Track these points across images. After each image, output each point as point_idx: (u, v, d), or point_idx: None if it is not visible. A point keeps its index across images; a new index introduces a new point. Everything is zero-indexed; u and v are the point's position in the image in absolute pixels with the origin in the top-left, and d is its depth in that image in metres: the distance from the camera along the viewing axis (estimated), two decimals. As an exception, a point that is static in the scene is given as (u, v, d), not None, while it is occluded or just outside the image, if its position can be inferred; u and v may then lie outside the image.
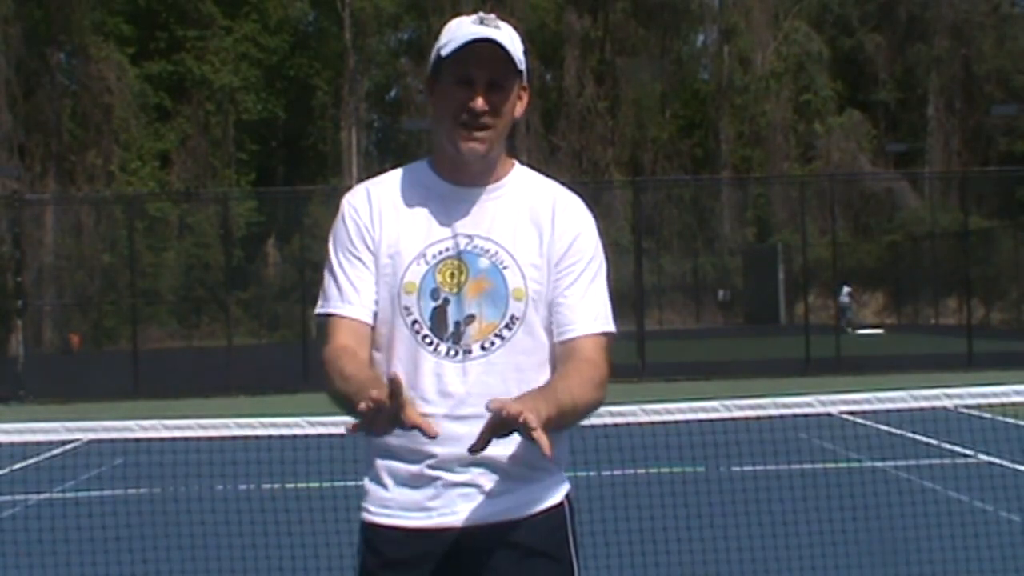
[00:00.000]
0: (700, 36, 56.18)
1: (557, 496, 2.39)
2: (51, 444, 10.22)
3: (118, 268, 34.35)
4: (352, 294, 2.38)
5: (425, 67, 2.43)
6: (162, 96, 47.22)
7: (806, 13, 51.57)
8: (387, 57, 51.91)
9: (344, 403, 2.30)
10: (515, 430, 2.05)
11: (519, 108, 2.39)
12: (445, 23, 2.43)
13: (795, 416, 4.91)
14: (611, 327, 2.43)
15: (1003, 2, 50.38)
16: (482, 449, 2.09)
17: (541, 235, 2.37)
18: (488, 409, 2.03)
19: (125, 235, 25.95)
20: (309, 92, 50.30)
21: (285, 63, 50.26)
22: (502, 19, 2.37)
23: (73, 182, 42.94)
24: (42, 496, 8.92)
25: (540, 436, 2.01)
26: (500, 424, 2.04)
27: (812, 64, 49.39)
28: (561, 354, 2.37)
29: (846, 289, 30.69)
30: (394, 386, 2.03)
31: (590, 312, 2.38)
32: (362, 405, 2.06)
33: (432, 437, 2.10)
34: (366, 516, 2.39)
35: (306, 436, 4.70)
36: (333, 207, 2.49)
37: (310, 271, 23.88)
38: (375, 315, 2.38)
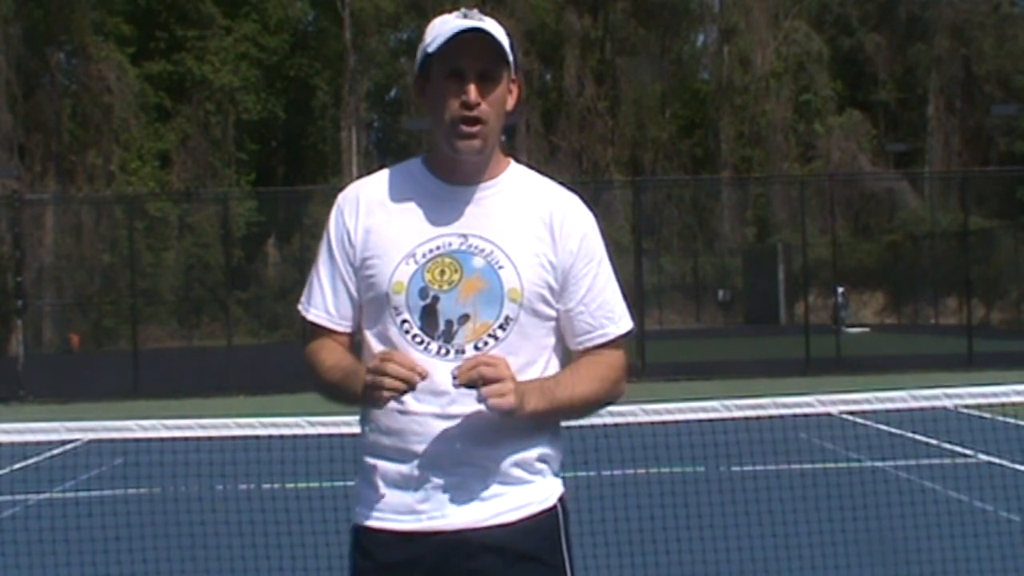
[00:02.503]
0: (700, 36, 56.25)
1: (550, 499, 2.37)
2: (51, 444, 10.24)
3: (118, 268, 34.36)
4: (328, 304, 2.42)
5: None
6: (162, 96, 47.21)
7: (806, 13, 51.57)
8: (387, 57, 51.89)
9: (331, 392, 2.38)
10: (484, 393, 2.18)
11: (511, 101, 2.37)
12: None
13: (795, 416, 4.91)
14: (629, 324, 2.44)
15: (1003, 2, 50.37)
16: (461, 383, 2.17)
17: (540, 238, 2.35)
18: (480, 365, 2.17)
19: (125, 235, 25.94)
20: (309, 92, 50.31)
21: (285, 63, 50.25)
22: (500, 19, 2.37)
23: (73, 182, 42.93)
24: (42, 496, 8.91)
25: (494, 404, 2.16)
26: (481, 375, 2.16)
27: (812, 64, 49.38)
28: (580, 357, 2.41)
29: (839, 290, 31.02)
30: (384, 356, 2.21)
31: (612, 315, 2.41)
32: (368, 377, 2.19)
33: (423, 378, 2.20)
34: (357, 519, 2.38)
35: (306, 436, 4.70)
36: (333, 207, 2.50)
37: (310, 271, 23.86)
38: (354, 321, 2.41)
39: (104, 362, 25.68)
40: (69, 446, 10.37)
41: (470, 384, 2.16)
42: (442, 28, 2.30)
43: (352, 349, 2.43)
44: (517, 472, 2.32)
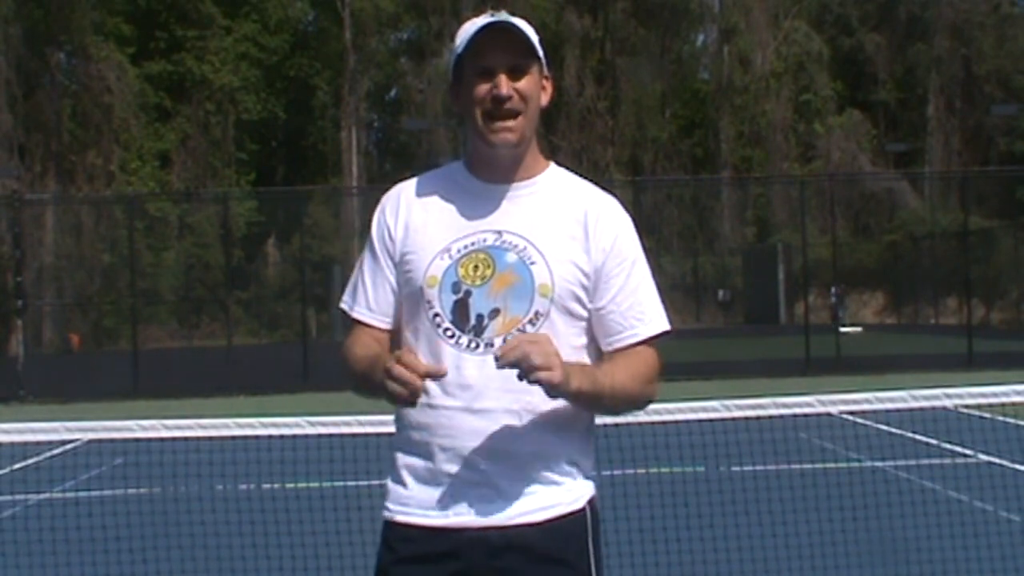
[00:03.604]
0: (700, 36, 56.25)
1: (579, 501, 2.35)
2: (51, 444, 10.23)
3: (118, 268, 34.38)
4: (371, 300, 2.44)
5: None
6: (162, 96, 47.22)
7: (806, 13, 51.58)
8: (387, 57, 51.89)
9: (361, 383, 2.39)
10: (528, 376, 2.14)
11: (544, 97, 2.41)
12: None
13: (795, 416, 4.91)
14: (664, 326, 2.43)
15: (1003, 2, 50.37)
16: (503, 361, 2.13)
17: (574, 237, 2.37)
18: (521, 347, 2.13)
19: (125, 235, 25.95)
20: (309, 92, 50.31)
21: (285, 63, 50.26)
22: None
23: (73, 182, 42.94)
24: (42, 496, 8.91)
25: (541, 376, 2.13)
26: (523, 356, 2.12)
27: (812, 64, 49.39)
28: (612, 356, 2.40)
29: (833, 289, 31.27)
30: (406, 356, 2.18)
31: (642, 316, 2.40)
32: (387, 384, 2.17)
33: (443, 375, 2.20)
34: (386, 514, 2.39)
35: (306, 436, 4.70)
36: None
37: (310, 271, 23.91)
38: (394, 318, 2.43)
39: (104, 362, 25.68)
40: (69, 446, 10.36)
41: (513, 363, 2.13)
42: (470, 29, 2.34)
43: (391, 345, 2.44)
44: (546, 471, 2.32)
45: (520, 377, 2.14)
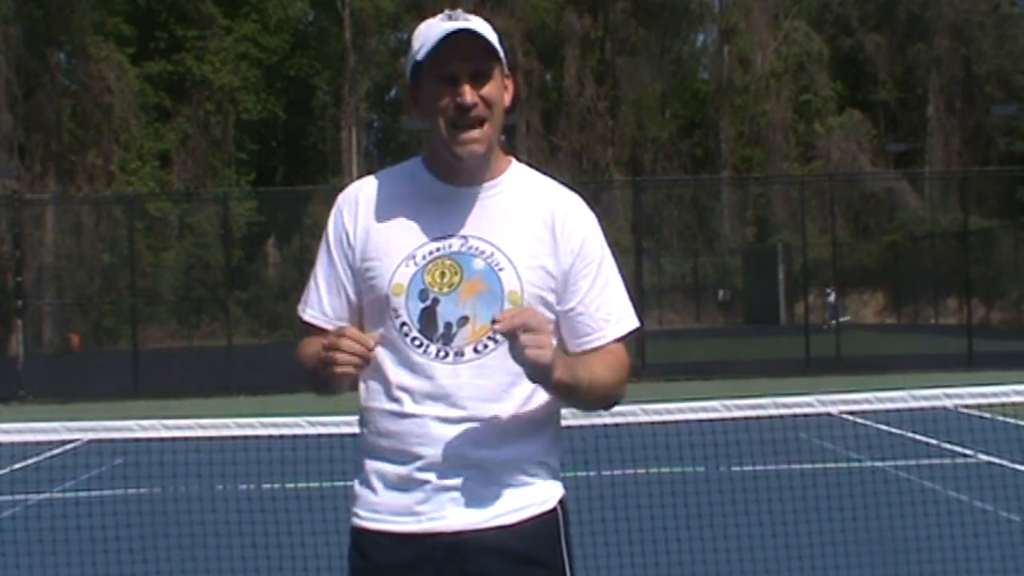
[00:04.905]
0: (700, 36, 56.26)
1: (550, 501, 2.36)
2: (51, 444, 10.23)
3: (118, 268, 34.33)
4: (324, 305, 2.40)
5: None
6: (162, 96, 47.20)
7: (806, 13, 51.57)
8: (387, 57, 51.88)
9: (312, 381, 2.35)
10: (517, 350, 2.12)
11: (507, 97, 2.35)
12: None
13: (795, 416, 4.92)
14: (633, 323, 2.42)
15: (1003, 2, 50.37)
16: (502, 327, 2.09)
17: (541, 240, 2.33)
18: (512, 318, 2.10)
19: (125, 235, 25.92)
20: (309, 92, 50.30)
21: (285, 63, 50.25)
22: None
23: (73, 182, 42.92)
24: (42, 496, 8.92)
25: (533, 355, 2.10)
26: (524, 323, 2.09)
27: (812, 64, 49.38)
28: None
29: (828, 290, 31.50)
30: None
31: (610, 317, 2.38)
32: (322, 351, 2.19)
33: (371, 348, 2.18)
34: (355, 521, 2.37)
35: (306, 436, 4.71)
36: (333, 207, 2.48)
37: (310, 271, 23.88)
38: (348, 323, 2.37)
39: (104, 362, 25.66)
40: (69, 446, 10.37)
41: (510, 331, 2.10)
42: (428, 34, 2.27)
43: None
44: (517, 474, 2.31)
45: (511, 350, 2.12)
